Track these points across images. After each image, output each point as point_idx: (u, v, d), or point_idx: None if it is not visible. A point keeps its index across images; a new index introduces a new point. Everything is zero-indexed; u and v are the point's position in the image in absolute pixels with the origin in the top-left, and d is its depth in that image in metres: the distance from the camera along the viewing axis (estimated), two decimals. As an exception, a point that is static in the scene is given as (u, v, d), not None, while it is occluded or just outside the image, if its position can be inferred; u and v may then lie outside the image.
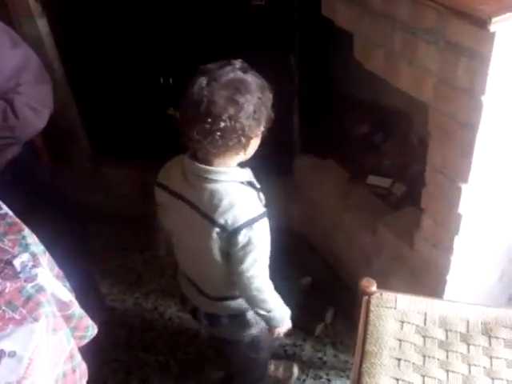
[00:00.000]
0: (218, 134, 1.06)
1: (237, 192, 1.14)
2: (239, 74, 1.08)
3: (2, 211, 1.14)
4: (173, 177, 1.20)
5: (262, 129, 1.13)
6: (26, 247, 1.07)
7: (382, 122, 1.89)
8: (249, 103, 1.07)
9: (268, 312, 1.26)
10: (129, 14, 1.73)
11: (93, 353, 1.64)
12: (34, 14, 1.71)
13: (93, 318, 1.24)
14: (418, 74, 1.22)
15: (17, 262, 1.03)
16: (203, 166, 1.12)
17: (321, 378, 1.74)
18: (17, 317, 0.95)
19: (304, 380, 1.74)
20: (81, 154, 2.11)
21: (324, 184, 1.84)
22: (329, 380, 1.73)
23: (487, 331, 1.29)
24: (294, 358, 1.79)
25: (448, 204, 1.31)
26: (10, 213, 1.15)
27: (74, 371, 1.05)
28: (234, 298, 1.30)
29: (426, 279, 1.50)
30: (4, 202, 1.19)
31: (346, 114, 1.91)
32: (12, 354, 0.89)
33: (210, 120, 1.04)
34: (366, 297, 1.37)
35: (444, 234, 1.38)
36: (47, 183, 1.58)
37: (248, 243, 1.13)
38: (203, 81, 1.06)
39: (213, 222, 1.13)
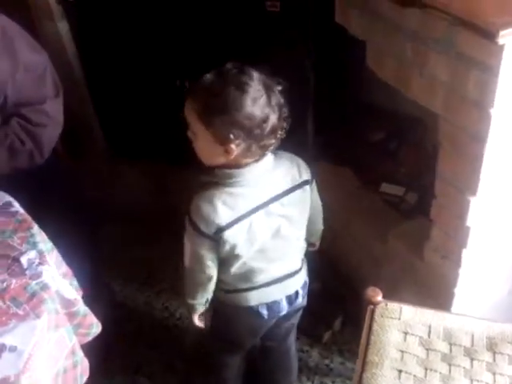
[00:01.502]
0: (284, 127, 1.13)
1: (285, 154, 1.22)
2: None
3: (13, 209, 1.17)
4: (230, 205, 1.14)
5: None
6: (33, 245, 1.10)
7: (398, 129, 1.88)
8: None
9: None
10: (147, 18, 1.75)
11: (101, 348, 1.69)
12: (55, 15, 1.76)
13: (97, 314, 1.27)
14: (429, 84, 1.21)
15: (24, 259, 1.06)
16: (266, 160, 1.16)
17: (326, 385, 1.74)
18: (20, 312, 0.97)
19: (309, 386, 1.74)
20: (96, 152, 2.15)
21: (336, 190, 1.83)
22: (334, 387, 1.72)
23: (492, 346, 1.27)
24: (300, 363, 1.78)
25: (457, 216, 1.30)
26: (21, 210, 1.18)
27: (74, 367, 1.07)
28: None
29: (434, 291, 1.49)
30: (11, 195, 1.22)
31: (361, 120, 1.91)
32: (13, 349, 0.92)
33: (283, 116, 1.11)
34: (371, 306, 1.36)
35: (452, 246, 1.36)
36: (56, 180, 1.61)
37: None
38: (262, 92, 1.07)
39: (302, 184, 1.22)
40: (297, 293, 1.36)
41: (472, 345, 1.28)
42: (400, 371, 1.24)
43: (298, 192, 1.22)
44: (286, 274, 1.31)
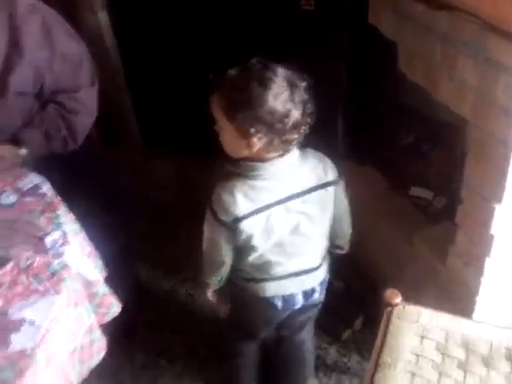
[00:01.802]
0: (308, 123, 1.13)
1: (313, 152, 1.23)
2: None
3: (42, 190, 1.23)
4: (250, 197, 1.16)
5: None
6: (58, 226, 1.14)
7: (430, 132, 1.85)
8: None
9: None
10: (184, 14, 1.78)
11: (126, 330, 1.75)
12: (96, 6, 1.81)
13: (122, 297, 1.31)
14: (458, 88, 1.19)
15: (48, 239, 1.11)
16: (291, 155, 1.17)
17: (343, 383, 1.74)
18: (40, 289, 1.02)
19: (326, 383, 1.74)
20: (131, 144, 2.20)
21: (364, 191, 1.81)
22: (351, 386, 1.72)
23: (511, 356, 1.24)
24: (318, 360, 1.79)
25: (481, 223, 1.28)
26: (50, 192, 1.23)
27: (91, 345, 1.12)
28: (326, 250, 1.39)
29: (457, 297, 1.47)
30: (43, 174, 1.28)
31: (393, 122, 1.88)
32: (32, 323, 0.97)
33: (307, 112, 1.12)
34: (389, 308, 1.36)
35: (476, 253, 1.34)
36: (90, 167, 1.67)
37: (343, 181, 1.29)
38: (285, 88, 1.07)
39: (327, 184, 1.23)
40: (313, 289, 1.37)
41: (490, 353, 1.26)
42: (413, 374, 1.23)
43: (321, 191, 1.22)
44: (303, 269, 1.33)
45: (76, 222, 1.24)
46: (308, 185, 1.20)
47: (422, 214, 1.68)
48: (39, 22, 1.42)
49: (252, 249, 1.23)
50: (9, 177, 1.27)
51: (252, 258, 1.26)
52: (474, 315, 1.43)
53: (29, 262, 1.06)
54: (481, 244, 1.31)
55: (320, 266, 1.36)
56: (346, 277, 1.95)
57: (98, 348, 1.14)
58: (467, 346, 1.27)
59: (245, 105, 1.07)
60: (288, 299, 1.35)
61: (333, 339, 1.85)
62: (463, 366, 1.25)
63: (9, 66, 1.40)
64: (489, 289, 1.38)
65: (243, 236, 1.19)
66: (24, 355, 0.92)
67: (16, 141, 1.48)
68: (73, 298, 1.06)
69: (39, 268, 1.06)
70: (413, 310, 1.34)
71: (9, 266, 1.06)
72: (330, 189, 1.24)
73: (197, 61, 1.87)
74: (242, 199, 1.15)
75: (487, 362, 1.24)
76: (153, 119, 2.13)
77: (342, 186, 1.30)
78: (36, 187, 1.23)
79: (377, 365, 1.27)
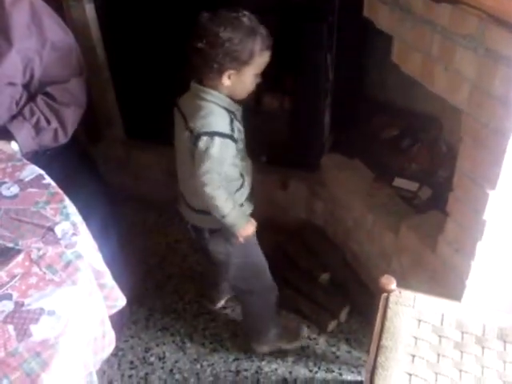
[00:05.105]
0: (200, 53, 1.31)
1: (212, 109, 1.36)
2: (241, 17, 1.30)
3: (45, 181, 1.19)
4: (185, 98, 1.43)
5: (241, 69, 1.33)
6: (66, 216, 1.12)
7: (412, 126, 1.92)
8: (230, 41, 1.28)
9: (222, 218, 1.43)
10: (174, 8, 1.77)
11: (115, 328, 1.72)
12: (83, -2, 1.78)
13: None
14: (454, 80, 1.24)
15: (58, 229, 1.08)
16: (198, 85, 1.38)
17: (333, 371, 1.77)
18: (56, 279, 1.00)
19: (316, 372, 1.77)
20: (114, 137, 2.17)
21: (349, 183, 1.87)
22: (340, 374, 1.76)
23: (503, 336, 1.31)
24: (307, 350, 1.83)
25: (473, 209, 1.33)
26: (53, 183, 1.20)
27: (103, 337, 1.10)
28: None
29: (445, 282, 1.53)
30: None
31: (376, 116, 1.94)
32: (51, 313, 0.94)
33: (197, 39, 1.30)
34: (385, 294, 1.40)
35: (467, 238, 1.40)
36: (75, 162, 1.64)
37: (206, 151, 1.33)
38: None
39: (187, 127, 1.37)
40: (189, 224, 1.56)
41: (483, 334, 1.32)
42: (413, 356, 1.28)
43: (183, 128, 1.38)
44: (184, 196, 1.52)
45: (79, 214, 1.22)
46: (187, 116, 1.38)
47: (407, 205, 1.74)
48: (28, 10, 1.39)
49: None
50: (7, 168, 1.22)
51: None
52: (464, 298, 1.49)
53: (41, 252, 1.04)
54: (472, 230, 1.37)
55: (193, 210, 1.50)
56: (332, 266, 2.00)
57: (109, 340, 1.13)
58: (461, 328, 1.33)
59: None
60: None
61: (320, 330, 1.88)
62: (459, 346, 1.30)
63: None
64: (479, 272, 1.44)
65: None
66: (48, 345, 0.89)
67: (5, 133, 1.44)
68: (88, 289, 1.04)
69: (52, 258, 1.03)
70: (408, 295, 1.39)
71: (20, 258, 1.03)
72: (187, 134, 1.36)
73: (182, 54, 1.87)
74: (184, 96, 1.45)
75: (481, 342, 1.31)
76: (136, 114, 2.10)
77: (196, 146, 1.34)
78: (39, 177, 1.19)
79: (378, 349, 1.31)
